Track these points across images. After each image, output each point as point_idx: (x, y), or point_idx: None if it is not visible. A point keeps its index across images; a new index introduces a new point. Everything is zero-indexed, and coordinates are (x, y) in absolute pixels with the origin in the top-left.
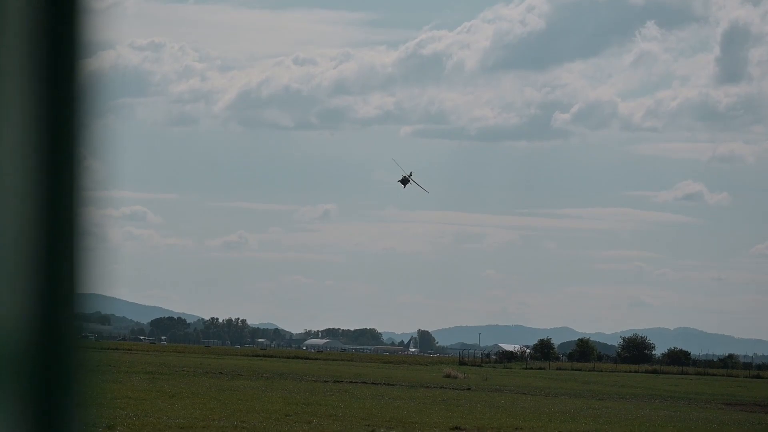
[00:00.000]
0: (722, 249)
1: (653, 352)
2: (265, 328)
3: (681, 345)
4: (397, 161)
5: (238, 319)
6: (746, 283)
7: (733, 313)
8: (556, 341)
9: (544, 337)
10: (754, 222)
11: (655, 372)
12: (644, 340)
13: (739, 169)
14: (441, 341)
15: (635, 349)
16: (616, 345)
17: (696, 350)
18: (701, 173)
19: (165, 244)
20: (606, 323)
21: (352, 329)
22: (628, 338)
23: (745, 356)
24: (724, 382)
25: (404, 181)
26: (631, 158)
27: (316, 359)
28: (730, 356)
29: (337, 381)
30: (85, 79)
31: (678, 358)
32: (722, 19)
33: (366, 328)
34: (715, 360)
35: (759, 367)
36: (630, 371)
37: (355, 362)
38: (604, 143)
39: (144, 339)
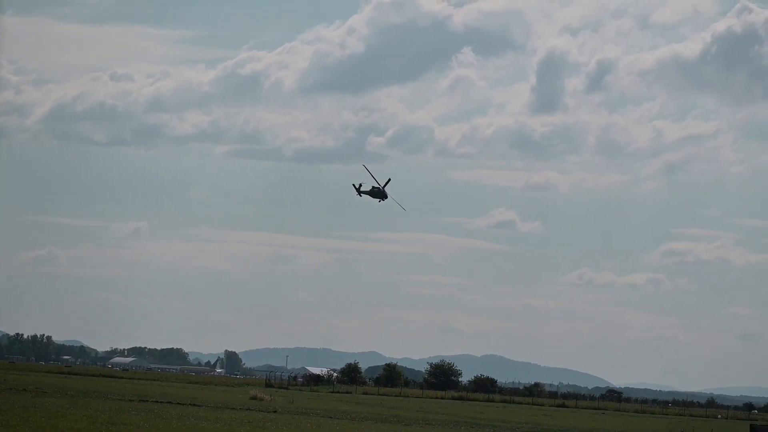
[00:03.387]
0: (533, 277)
1: (460, 379)
2: (71, 345)
3: (488, 372)
4: (369, 168)
5: (43, 335)
6: (554, 312)
7: (540, 341)
8: (364, 365)
9: (352, 361)
10: (565, 251)
11: (461, 399)
12: (451, 367)
13: (552, 198)
14: (248, 363)
15: (442, 375)
16: (424, 370)
17: (503, 378)
18: (515, 201)
19: None
20: (414, 348)
21: (158, 348)
22: (435, 364)
23: (550, 385)
24: (529, 410)
25: (376, 193)
26: (446, 184)
27: (122, 378)
28: (536, 384)
29: (143, 400)
30: None
31: (484, 385)
32: (539, 48)
33: (173, 348)
34: (521, 388)
35: (564, 396)
36: (437, 397)
37: (160, 381)
38: (419, 168)
39: None
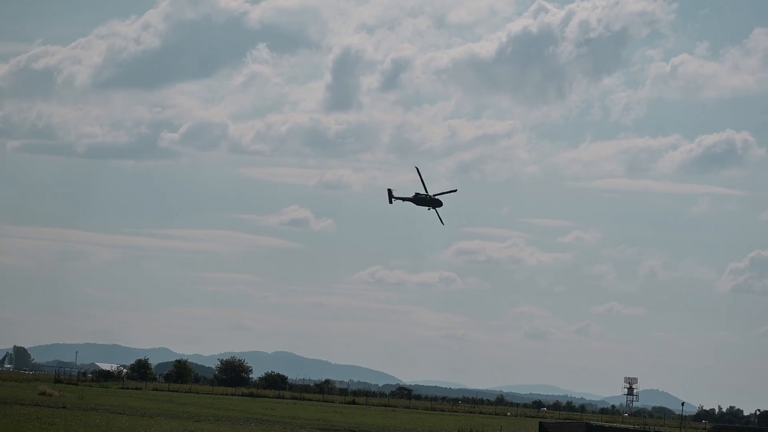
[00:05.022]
0: (325, 275)
1: (251, 375)
2: None
3: (279, 369)
4: (420, 172)
5: None
6: (345, 310)
7: (331, 339)
8: (154, 362)
9: (142, 357)
10: (357, 249)
11: (251, 395)
12: (242, 363)
13: (345, 196)
14: (38, 358)
15: (233, 372)
16: (214, 367)
17: (293, 375)
18: (308, 199)
19: None
20: (205, 345)
21: None
22: (225, 361)
23: (341, 382)
24: (319, 407)
25: (422, 200)
26: (239, 181)
27: None
28: (327, 381)
29: None
30: None
31: (275, 382)
32: (335, 45)
33: None
34: (311, 385)
35: (354, 393)
36: (227, 394)
37: None
38: (212, 165)
39: None
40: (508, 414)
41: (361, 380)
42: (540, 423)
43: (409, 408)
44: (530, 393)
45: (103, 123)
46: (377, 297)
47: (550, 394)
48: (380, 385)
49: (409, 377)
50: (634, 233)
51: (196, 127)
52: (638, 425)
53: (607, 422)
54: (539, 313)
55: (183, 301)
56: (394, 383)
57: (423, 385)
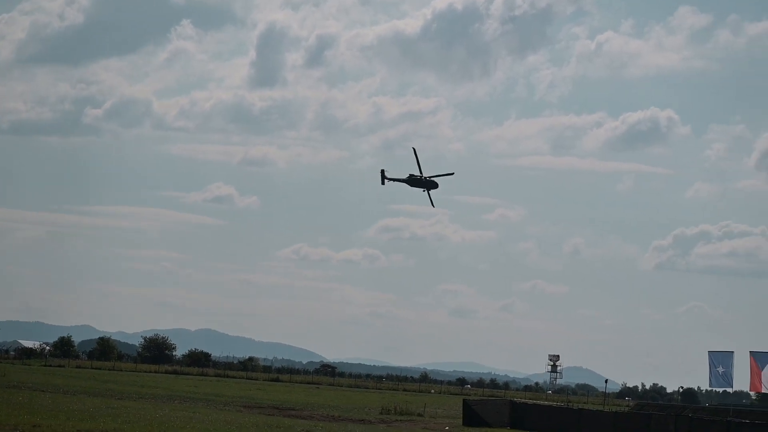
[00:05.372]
0: (249, 252)
1: (174, 353)
2: None
3: (203, 346)
4: (416, 152)
5: None
6: (270, 287)
7: (255, 316)
8: (77, 339)
9: (65, 335)
10: (282, 226)
11: (175, 372)
12: (165, 341)
13: (269, 173)
14: None
15: (156, 349)
16: (138, 345)
17: (217, 352)
18: (232, 176)
19: None
20: (128, 322)
21: None
22: (149, 338)
23: (264, 359)
24: (243, 384)
25: (417, 182)
26: (163, 158)
27: None
28: (251, 359)
29: None
30: None
31: (199, 360)
32: (260, 22)
33: None
34: (235, 362)
35: (278, 370)
36: (150, 371)
37: None
38: (136, 142)
39: None
40: (432, 391)
41: (285, 358)
42: (464, 400)
43: (333, 385)
44: (454, 370)
45: (27, 99)
46: (301, 274)
47: (474, 371)
48: (304, 362)
49: (333, 355)
50: (559, 211)
51: (120, 104)
52: (562, 402)
53: (530, 399)
54: (464, 291)
55: (106, 278)
56: (318, 360)
57: (347, 363)
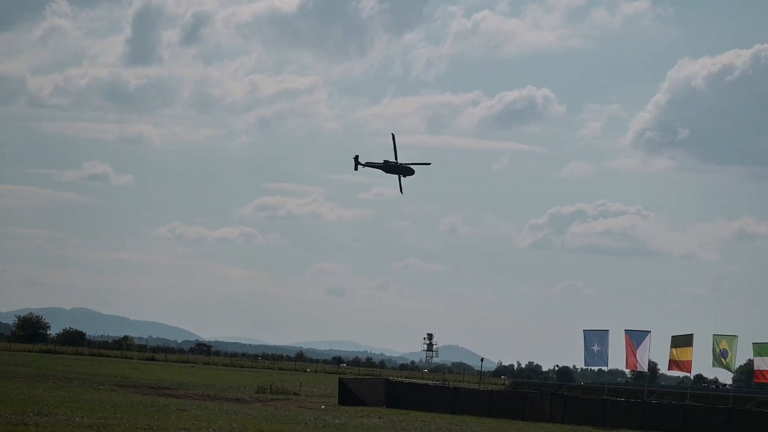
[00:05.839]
0: (124, 230)
1: (48, 332)
2: None
3: (77, 325)
4: (395, 139)
5: None
6: (145, 266)
7: (130, 295)
8: None
9: None
10: (157, 205)
11: (49, 351)
12: (39, 319)
13: (145, 151)
14: None
15: (30, 328)
16: (12, 324)
17: (92, 331)
18: (108, 154)
19: None
20: (2, 301)
21: None
22: (23, 317)
23: (140, 338)
24: (118, 363)
25: (393, 168)
26: (37, 135)
27: None
28: (126, 338)
29: None
30: None
31: (73, 338)
32: None
33: None
34: (110, 341)
35: (153, 349)
36: (24, 350)
37: None
38: (9, 119)
39: None
40: (308, 370)
41: (161, 336)
42: (340, 379)
43: (208, 364)
44: (330, 349)
45: None
46: (177, 253)
47: (350, 350)
48: (179, 341)
49: (208, 333)
50: (435, 189)
51: None
52: (438, 381)
53: (406, 378)
54: (339, 269)
55: None
56: (194, 340)
57: (223, 341)
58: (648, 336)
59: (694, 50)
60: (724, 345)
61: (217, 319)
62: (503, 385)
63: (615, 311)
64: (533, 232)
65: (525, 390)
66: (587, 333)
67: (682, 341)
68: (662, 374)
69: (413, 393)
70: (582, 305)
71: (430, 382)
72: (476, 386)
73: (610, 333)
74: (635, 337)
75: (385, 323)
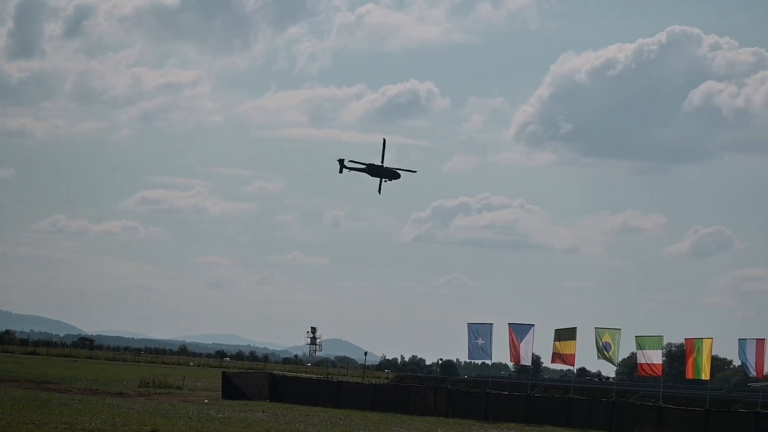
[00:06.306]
0: (5, 225)
1: None
2: None
3: None
4: (385, 143)
5: None
6: (26, 259)
7: (12, 288)
8: None
9: None
10: (39, 198)
11: None
12: None
13: (26, 145)
14: None
15: None
16: None
17: None
18: None
19: None
20: None
21: None
22: None
23: (21, 332)
24: (0, 357)
25: (377, 171)
26: None
27: None
28: (7, 332)
29: None
30: None
31: None
32: None
33: None
34: None
35: (35, 343)
36: None
37: None
38: None
39: None
40: (192, 364)
41: (43, 330)
42: (223, 373)
43: (91, 358)
44: (213, 343)
45: None
46: (59, 246)
47: (233, 344)
48: (62, 335)
49: (91, 327)
50: (318, 183)
51: None
52: (321, 375)
53: (290, 372)
54: (223, 263)
55: None
56: (76, 333)
57: (106, 335)
58: (532, 329)
59: (577, 44)
60: (607, 338)
61: (100, 312)
62: (387, 378)
63: (499, 305)
64: (417, 225)
65: (409, 384)
66: (471, 326)
67: (566, 335)
68: (546, 367)
69: (297, 387)
70: (466, 299)
71: (314, 376)
72: (360, 380)
73: (494, 326)
74: (519, 331)
75: (268, 317)
